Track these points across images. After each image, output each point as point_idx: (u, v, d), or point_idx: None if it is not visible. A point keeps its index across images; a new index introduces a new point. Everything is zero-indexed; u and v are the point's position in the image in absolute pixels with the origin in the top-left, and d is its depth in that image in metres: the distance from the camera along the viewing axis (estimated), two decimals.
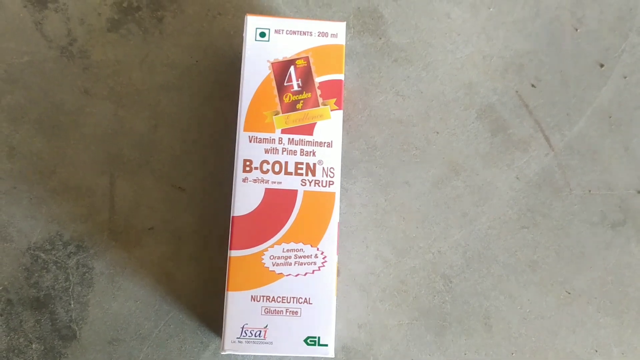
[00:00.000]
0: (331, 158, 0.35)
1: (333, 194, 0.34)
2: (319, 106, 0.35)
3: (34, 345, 0.38)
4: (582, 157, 0.42)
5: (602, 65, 0.43)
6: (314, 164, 0.35)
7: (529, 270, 0.40)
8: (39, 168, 0.39)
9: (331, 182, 0.35)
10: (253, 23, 0.36)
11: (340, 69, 0.36)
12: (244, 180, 0.34)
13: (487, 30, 0.43)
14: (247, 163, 0.34)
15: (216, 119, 0.41)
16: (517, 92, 0.42)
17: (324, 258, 0.34)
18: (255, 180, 0.34)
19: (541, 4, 0.43)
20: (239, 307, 0.33)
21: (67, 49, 0.41)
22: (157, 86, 0.41)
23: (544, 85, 0.42)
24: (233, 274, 0.33)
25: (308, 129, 0.35)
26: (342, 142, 0.36)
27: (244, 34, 0.36)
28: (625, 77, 0.43)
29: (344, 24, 0.36)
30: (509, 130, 0.42)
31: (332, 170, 0.35)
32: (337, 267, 0.34)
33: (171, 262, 0.39)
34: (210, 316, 0.39)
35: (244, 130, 0.35)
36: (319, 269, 0.34)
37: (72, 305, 0.38)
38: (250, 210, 0.34)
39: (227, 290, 0.33)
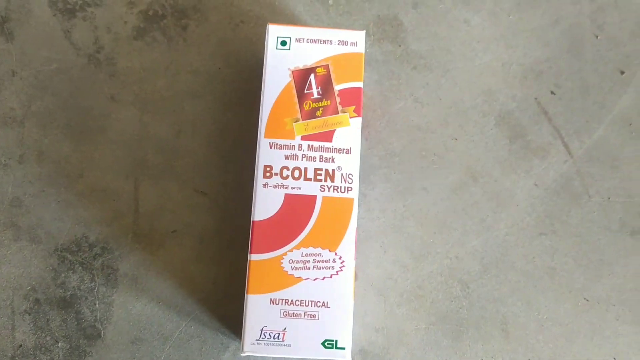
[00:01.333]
0: (350, 164, 0.35)
1: (351, 199, 0.35)
2: (338, 113, 0.36)
3: (59, 344, 0.39)
4: (601, 165, 0.42)
5: (622, 72, 0.43)
6: (333, 170, 0.35)
7: (547, 277, 0.40)
8: (67, 172, 0.41)
9: (349, 188, 0.35)
10: (274, 32, 0.37)
11: (360, 76, 0.36)
12: (264, 185, 0.35)
13: (507, 37, 0.43)
14: (268, 169, 0.35)
15: (238, 125, 0.41)
16: (536, 99, 0.42)
17: (342, 263, 0.34)
18: (275, 185, 0.35)
19: (561, 11, 0.43)
20: (258, 309, 0.34)
21: (94, 57, 0.42)
22: (181, 93, 0.42)
23: (563, 93, 0.42)
24: (253, 277, 0.34)
25: (327, 136, 0.36)
26: (361, 148, 0.37)
27: (265, 43, 0.37)
28: None
29: (363, 32, 0.37)
30: (528, 137, 0.42)
31: (350, 176, 0.35)
32: (355, 271, 0.35)
33: (193, 265, 0.40)
34: (231, 318, 0.39)
35: (265, 136, 0.35)
36: (337, 274, 0.34)
37: (97, 306, 0.39)
38: (270, 215, 0.35)
39: (247, 293, 0.34)
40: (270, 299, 0.34)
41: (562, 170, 0.42)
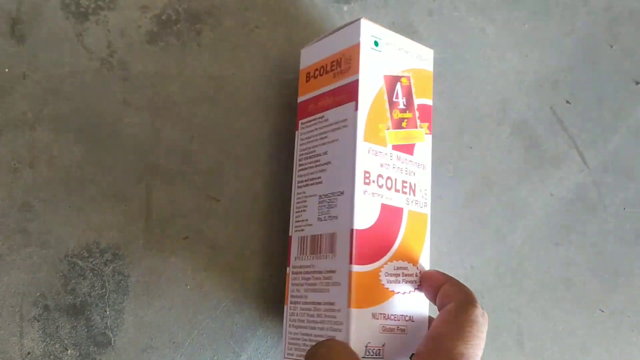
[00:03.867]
0: (425, 180, 0.35)
1: (426, 215, 0.35)
2: (417, 128, 0.35)
3: (69, 351, 0.38)
4: (616, 175, 0.41)
5: (637, 83, 0.43)
6: (415, 184, 0.34)
7: (563, 288, 0.40)
8: (78, 177, 0.40)
9: (425, 204, 0.35)
10: (367, 29, 0.34)
11: (430, 94, 0.35)
12: (364, 192, 0.32)
13: (522, 46, 0.43)
14: (367, 175, 0.32)
15: (252, 131, 0.41)
16: (551, 108, 0.42)
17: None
18: (373, 194, 0.32)
19: (576, 20, 0.43)
20: (362, 325, 0.31)
21: (107, 61, 0.42)
22: (194, 98, 0.41)
23: (578, 102, 0.42)
24: (357, 290, 0.31)
25: (410, 149, 0.34)
26: None
27: (360, 39, 0.34)
28: None
29: (432, 51, 0.36)
30: (543, 147, 0.42)
31: (426, 192, 0.35)
32: None
33: (205, 272, 0.40)
34: (243, 326, 0.39)
35: (364, 139, 0.33)
36: (419, 287, 0.33)
37: (107, 313, 0.39)
38: (369, 225, 0.32)
39: (350, 307, 0.31)
40: (372, 314, 0.32)
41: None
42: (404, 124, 0.34)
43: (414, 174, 0.34)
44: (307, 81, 0.37)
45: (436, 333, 0.28)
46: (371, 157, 0.33)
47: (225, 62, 0.42)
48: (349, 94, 0.33)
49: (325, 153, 0.34)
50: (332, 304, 0.32)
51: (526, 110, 0.42)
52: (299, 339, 0.33)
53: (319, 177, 0.34)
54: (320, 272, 0.33)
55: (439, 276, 0.32)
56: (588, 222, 0.41)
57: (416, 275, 0.33)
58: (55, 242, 0.39)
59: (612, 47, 0.43)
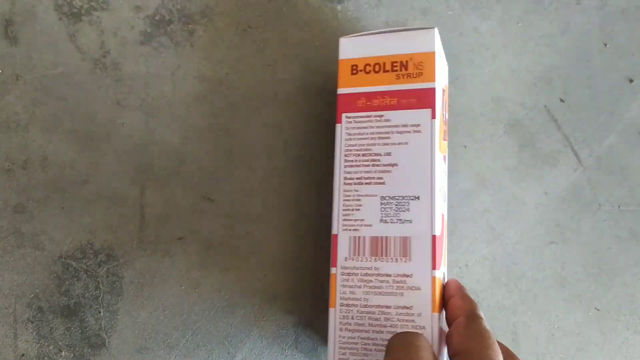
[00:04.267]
0: (446, 188, 0.36)
1: (446, 220, 0.35)
2: (445, 140, 0.35)
3: (63, 353, 0.38)
4: (611, 173, 0.41)
5: (631, 81, 0.43)
6: (446, 192, 0.35)
7: (557, 286, 0.40)
8: (72, 178, 0.40)
9: (446, 211, 0.35)
10: (438, 39, 0.34)
11: (447, 109, 0.36)
12: (439, 200, 0.33)
13: (516, 44, 0.43)
14: (438, 183, 0.33)
15: (246, 131, 0.41)
16: (545, 106, 0.42)
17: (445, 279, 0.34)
18: (442, 201, 0.33)
19: (570, 18, 0.43)
20: (439, 329, 0.31)
21: (100, 61, 0.42)
22: (187, 98, 0.41)
23: (572, 100, 0.42)
24: (438, 295, 0.31)
25: (445, 159, 0.35)
26: None
27: (435, 47, 0.34)
28: None
29: (447, 66, 0.37)
30: (537, 145, 0.42)
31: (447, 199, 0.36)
32: None
33: (199, 272, 0.39)
34: (237, 327, 0.39)
35: (440, 150, 0.33)
36: None
37: (101, 314, 0.39)
38: (440, 231, 0.33)
39: (434, 311, 0.31)
40: (439, 317, 0.32)
41: (572, 179, 0.41)
42: (445, 136, 0.36)
43: (446, 183, 0.36)
44: (353, 73, 0.36)
45: (463, 347, 0.28)
46: (440, 165, 0.33)
47: (219, 62, 0.42)
48: (422, 100, 0.33)
49: (389, 154, 0.33)
50: (408, 308, 0.31)
51: (520, 109, 0.42)
52: (356, 343, 0.32)
53: (381, 178, 0.33)
54: (388, 276, 0.32)
55: (451, 287, 0.32)
56: (583, 221, 0.41)
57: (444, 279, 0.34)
58: (49, 244, 0.39)
59: (606, 45, 0.43)
